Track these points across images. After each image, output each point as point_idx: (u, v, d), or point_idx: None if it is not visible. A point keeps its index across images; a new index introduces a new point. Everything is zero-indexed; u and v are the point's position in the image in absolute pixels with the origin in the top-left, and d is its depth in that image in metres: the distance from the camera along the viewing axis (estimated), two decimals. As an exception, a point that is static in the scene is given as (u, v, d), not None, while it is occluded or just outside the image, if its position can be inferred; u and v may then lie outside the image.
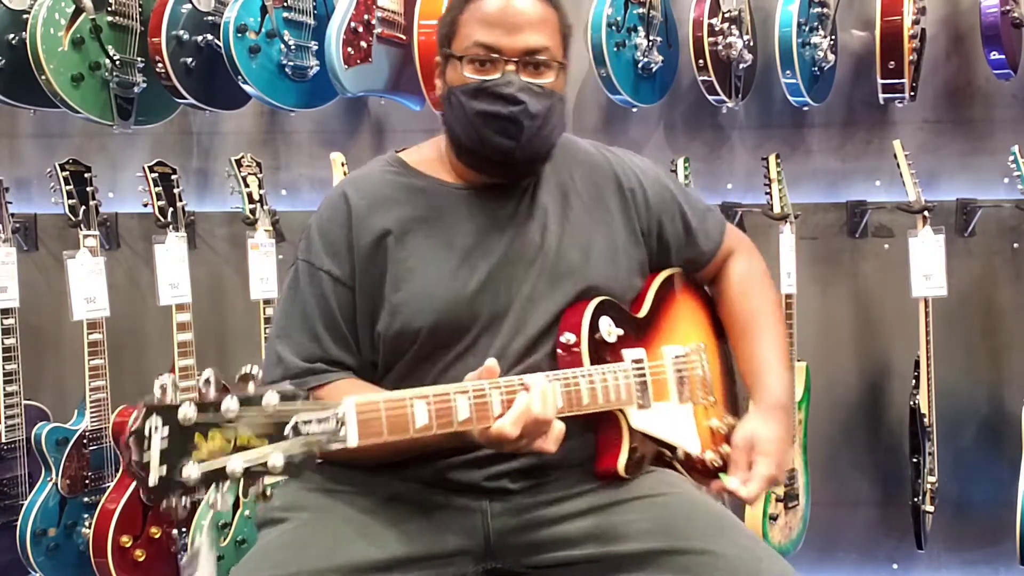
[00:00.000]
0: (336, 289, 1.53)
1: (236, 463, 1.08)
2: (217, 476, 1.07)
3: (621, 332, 1.55)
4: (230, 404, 1.08)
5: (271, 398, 1.11)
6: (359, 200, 1.55)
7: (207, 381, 1.10)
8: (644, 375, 1.55)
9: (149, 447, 1.04)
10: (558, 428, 1.36)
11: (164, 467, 1.05)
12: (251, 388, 1.12)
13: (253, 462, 1.09)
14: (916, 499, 2.65)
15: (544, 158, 1.57)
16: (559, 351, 1.52)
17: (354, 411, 1.18)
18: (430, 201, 1.57)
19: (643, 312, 1.64)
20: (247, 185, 2.59)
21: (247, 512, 2.48)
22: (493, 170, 1.56)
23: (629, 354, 1.55)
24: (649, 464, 1.58)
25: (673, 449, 1.60)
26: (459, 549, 1.49)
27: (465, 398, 1.30)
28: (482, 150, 1.52)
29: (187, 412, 1.06)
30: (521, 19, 1.48)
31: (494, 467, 1.50)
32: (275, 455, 1.10)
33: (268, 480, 1.12)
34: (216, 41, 2.51)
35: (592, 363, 1.50)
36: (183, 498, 1.06)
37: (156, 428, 1.05)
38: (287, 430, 1.11)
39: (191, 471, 1.05)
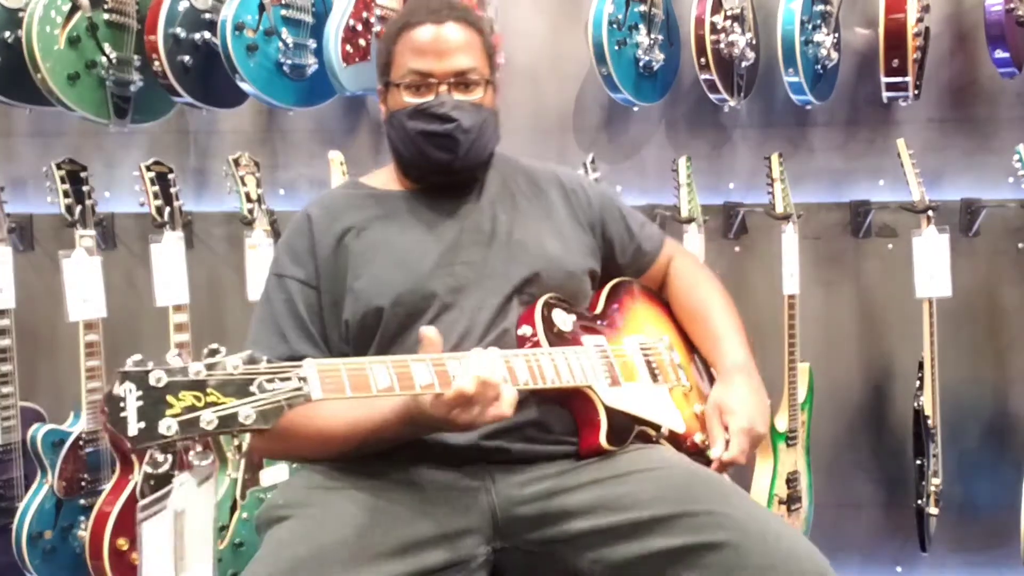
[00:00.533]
0: (302, 291, 1.65)
1: (209, 415, 1.19)
2: (192, 428, 1.19)
3: (574, 318, 1.64)
4: (197, 367, 1.20)
5: (234, 362, 1.22)
6: (318, 213, 1.71)
7: (176, 356, 1.20)
8: (607, 356, 1.63)
9: (124, 407, 1.16)
10: (509, 392, 1.41)
11: (142, 422, 1.17)
12: (215, 358, 1.24)
13: (225, 414, 1.20)
14: (920, 501, 2.64)
15: (483, 165, 1.74)
16: (520, 346, 1.59)
17: (315, 368, 1.29)
18: (383, 204, 1.72)
19: (598, 310, 1.73)
20: (245, 184, 2.57)
21: (244, 515, 2.46)
22: (436, 180, 1.72)
23: (589, 340, 1.63)
24: (636, 443, 1.61)
25: (657, 428, 1.64)
26: (467, 528, 1.50)
27: (422, 365, 1.38)
28: (424, 164, 1.69)
29: (158, 375, 1.18)
30: (449, 45, 1.66)
31: (488, 425, 1.51)
32: (244, 408, 1.21)
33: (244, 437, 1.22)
34: (214, 39, 2.49)
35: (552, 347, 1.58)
36: (163, 452, 1.17)
37: (130, 391, 1.17)
38: (252, 388, 1.22)
39: (167, 423, 1.17)
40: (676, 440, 1.66)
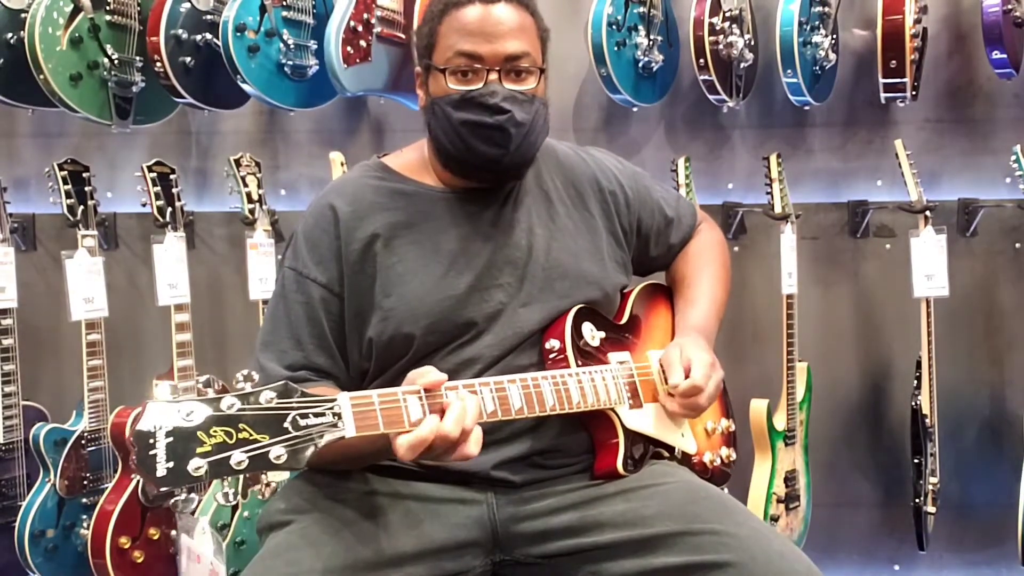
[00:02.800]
0: (324, 297, 1.54)
1: (239, 456, 1.12)
2: (222, 468, 1.12)
3: (603, 335, 1.59)
4: (228, 401, 1.13)
5: (268, 395, 1.16)
6: (346, 208, 1.57)
7: (207, 382, 1.16)
8: (632, 375, 1.58)
9: (155, 443, 1.09)
10: (477, 434, 1.33)
11: (171, 462, 1.10)
12: (248, 388, 1.17)
13: (256, 454, 1.13)
14: (918, 500, 2.64)
15: (530, 162, 1.61)
16: (546, 359, 1.55)
17: (349, 404, 1.22)
18: (415, 205, 1.59)
19: (624, 320, 1.68)
20: (246, 185, 2.58)
21: (246, 513, 2.46)
22: (480, 176, 1.58)
23: (614, 357, 1.59)
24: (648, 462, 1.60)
25: (671, 449, 1.63)
26: (467, 541, 1.50)
27: (455, 394, 1.33)
28: (470, 158, 1.54)
29: (189, 408, 1.11)
30: (501, 27, 1.50)
31: (500, 453, 1.52)
32: (276, 447, 1.15)
33: (272, 475, 1.15)
34: (215, 40, 2.50)
35: (579, 366, 1.53)
36: (189, 492, 1.10)
37: (160, 427, 1.10)
38: (286, 424, 1.16)
39: (197, 464, 1.10)
40: (686, 458, 1.66)
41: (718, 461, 1.70)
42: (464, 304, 1.54)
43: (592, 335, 1.58)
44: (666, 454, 1.63)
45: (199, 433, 1.11)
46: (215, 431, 1.12)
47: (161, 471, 1.09)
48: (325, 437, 1.18)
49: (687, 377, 1.54)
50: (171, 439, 1.10)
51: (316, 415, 1.18)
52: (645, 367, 1.62)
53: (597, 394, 1.51)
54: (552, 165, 1.69)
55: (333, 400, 1.21)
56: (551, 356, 1.54)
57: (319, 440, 1.18)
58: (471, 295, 1.55)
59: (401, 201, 1.59)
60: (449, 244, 1.57)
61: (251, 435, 1.14)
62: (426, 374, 1.33)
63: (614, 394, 1.54)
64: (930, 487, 2.64)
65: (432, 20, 1.55)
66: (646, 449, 1.58)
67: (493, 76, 1.51)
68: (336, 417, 1.20)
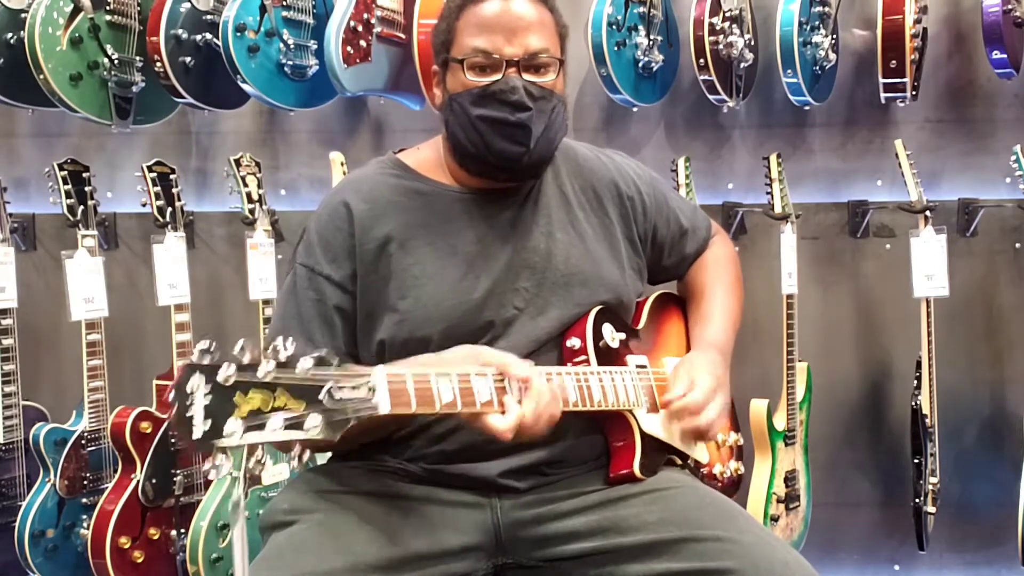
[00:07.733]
0: (337, 295, 1.53)
1: (276, 421, 1.11)
2: (256, 433, 1.11)
3: (623, 336, 1.58)
4: (267, 367, 1.12)
5: (306, 363, 1.14)
6: (360, 205, 1.55)
7: (241, 348, 1.13)
8: (650, 380, 1.58)
9: (192, 403, 1.08)
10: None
11: (208, 422, 1.08)
12: (283, 356, 1.15)
13: (292, 421, 1.12)
14: (918, 500, 2.64)
15: (548, 161, 1.59)
16: (566, 357, 1.54)
17: (384, 380, 1.21)
18: (431, 206, 1.57)
19: (640, 325, 1.68)
20: (246, 185, 2.58)
21: (246, 513, 2.46)
22: (498, 175, 1.56)
23: (632, 360, 1.58)
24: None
25: (684, 457, 1.63)
26: (470, 544, 1.50)
27: (483, 380, 1.32)
28: (489, 156, 1.52)
29: (227, 372, 1.09)
30: (519, 23, 1.49)
31: (508, 461, 1.51)
32: (312, 416, 1.13)
33: (298, 452, 1.16)
34: (215, 40, 2.50)
35: (599, 366, 1.52)
36: (224, 454, 1.10)
37: (199, 386, 1.08)
38: (322, 394, 1.14)
39: (234, 427, 1.09)
40: (698, 468, 1.66)
41: (728, 473, 1.71)
42: (482, 308, 1.53)
43: (612, 336, 1.56)
44: (679, 461, 1.63)
45: (236, 396, 1.10)
46: (252, 395, 1.10)
47: (198, 432, 1.08)
48: (360, 410, 1.17)
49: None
50: (208, 400, 1.08)
51: (352, 388, 1.17)
52: (662, 373, 1.61)
53: (617, 395, 1.50)
54: (571, 167, 1.67)
55: (368, 375, 1.20)
56: (572, 355, 1.54)
57: (354, 415, 1.16)
58: (489, 299, 1.53)
59: (417, 201, 1.57)
60: (466, 246, 1.55)
61: (287, 403, 1.12)
62: (508, 362, 1.34)
63: (632, 396, 1.53)
64: (930, 487, 2.64)
65: (449, 16, 1.53)
66: (661, 454, 1.58)
67: (512, 70, 1.48)
68: (371, 392, 1.19)
